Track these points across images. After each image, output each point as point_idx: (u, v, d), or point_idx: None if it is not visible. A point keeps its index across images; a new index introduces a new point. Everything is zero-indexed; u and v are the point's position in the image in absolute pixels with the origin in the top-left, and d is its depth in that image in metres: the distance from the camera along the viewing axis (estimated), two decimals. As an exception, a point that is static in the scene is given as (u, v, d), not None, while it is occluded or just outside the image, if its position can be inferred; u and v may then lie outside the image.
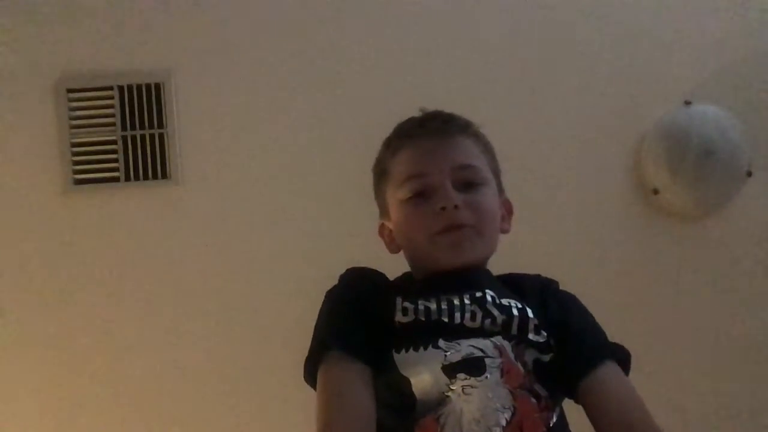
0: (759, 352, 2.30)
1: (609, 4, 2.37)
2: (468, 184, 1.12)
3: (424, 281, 1.12)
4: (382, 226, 1.22)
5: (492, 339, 1.02)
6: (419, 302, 1.07)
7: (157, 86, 2.35)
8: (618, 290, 2.28)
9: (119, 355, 2.36)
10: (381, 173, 1.20)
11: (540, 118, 2.34)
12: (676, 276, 2.34)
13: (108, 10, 2.38)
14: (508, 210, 1.21)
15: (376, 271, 1.16)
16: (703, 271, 2.33)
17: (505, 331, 1.04)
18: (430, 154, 1.14)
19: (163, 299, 2.36)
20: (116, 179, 2.36)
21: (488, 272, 1.15)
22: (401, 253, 1.19)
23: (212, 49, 2.37)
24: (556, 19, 2.35)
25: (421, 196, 1.11)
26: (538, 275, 1.18)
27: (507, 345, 1.02)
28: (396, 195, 1.15)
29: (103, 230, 2.38)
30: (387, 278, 1.17)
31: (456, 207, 1.08)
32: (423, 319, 1.05)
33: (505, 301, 1.08)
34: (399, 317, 1.06)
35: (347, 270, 1.17)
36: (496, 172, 1.19)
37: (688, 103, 2.30)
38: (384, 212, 1.20)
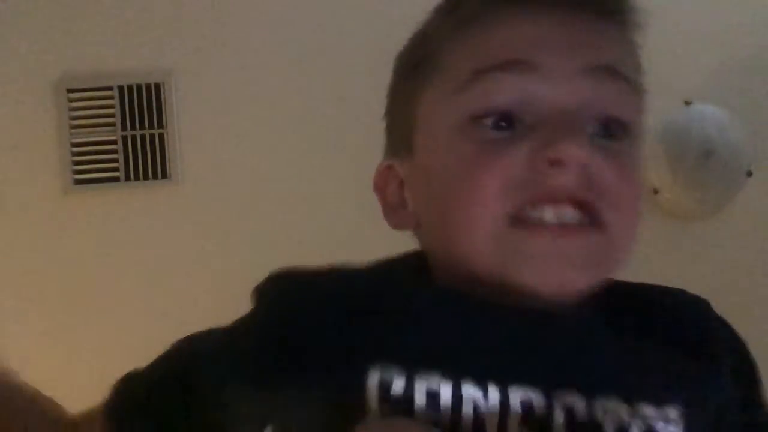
0: (759, 353, 2.30)
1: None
2: (610, 125, 0.57)
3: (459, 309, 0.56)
4: (385, 171, 0.66)
5: None
6: (426, 387, 0.51)
7: (157, 86, 2.35)
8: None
9: (119, 354, 2.36)
10: (419, 60, 0.62)
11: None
12: (676, 276, 2.33)
13: (108, 10, 2.38)
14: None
15: (322, 274, 0.63)
16: (703, 271, 2.33)
17: None
18: (565, 37, 0.56)
19: (163, 299, 2.36)
20: (116, 179, 2.36)
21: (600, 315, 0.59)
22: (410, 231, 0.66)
23: (212, 49, 2.37)
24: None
25: (508, 123, 0.56)
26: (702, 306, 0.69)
27: None
28: (448, 107, 0.58)
29: (103, 230, 2.38)
30: (349, 282, 0.61)
31: (584, 168, 0.54)
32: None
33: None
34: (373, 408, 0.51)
35: (270, 285, 0.68)
36: (643, 111, 0.61)
37: (688, 103, 2.30)
38: (400, 143, 0.64)
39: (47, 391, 0.77)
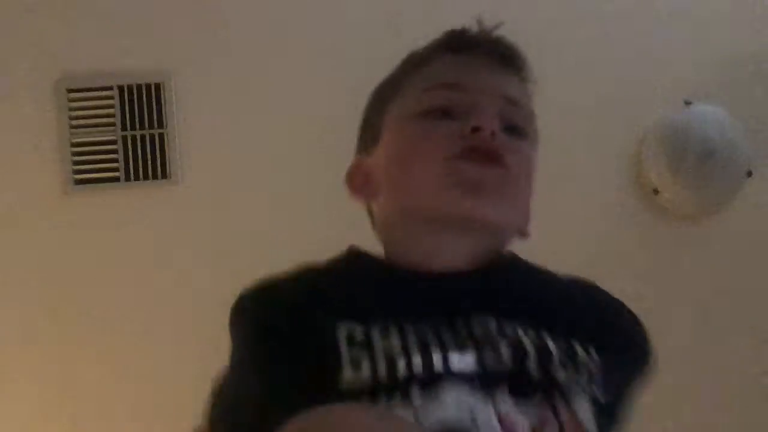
0: (760, 352, 2.30)
1: (609, 4, 2.37)
2: (514, 128, 0.83)
3: (393, 275, 0.80)
4: (355, 165, 0.90)
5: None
6: (379, 331, 0.70)
7: (157, 86, 2.35)
8: (617, 290, 2.28)
9: (119, 354, 2.36)
10: (386, 90, 0.90)
11: (539, 118, 2.34)
12: (676, 276, 2.34)
13: (108, 10, 2.38)
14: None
15: (290, 277, 0.87)
16: (703, 271, 2.33)
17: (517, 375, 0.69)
18: (480, 72, 0.85)
19: (163, 299, 2.36)
20: (116, 179, 2.36)
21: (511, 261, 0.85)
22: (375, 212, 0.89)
23: (212, 49, 2.37)
24: (555, 19, 2.35)
25: (444, 114, 0.82)
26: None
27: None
28: (404, 110, 0.85)
29: (103, 230, 2.38)
30: (311, 277, 0.86)
31: (493, 134, 0.78)
32: (385, 374, 0.66)
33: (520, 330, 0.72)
34: (347, 376, 0.67)
35: (245, 297, 0.87)
36: (535, 129, 0.89)
37: (688, 103, 2.30)
38: (368, 142, 0.90)
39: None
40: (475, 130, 0.79)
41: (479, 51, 0.86)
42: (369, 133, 0.90)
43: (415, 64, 0.89)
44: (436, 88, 0.83)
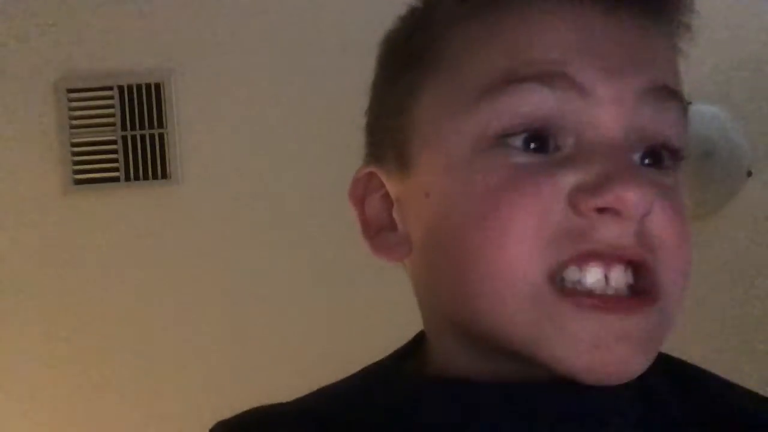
0: (760, 352, 2.30)
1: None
2: (661, 153, 0.47)
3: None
4: (364, 179, 0.54)
5: None
6: None
7: (157, 86, 2.35)
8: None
9: (119, 354, 2.36)
10: (416, 51, 0.50)
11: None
12: (676, 276, 2.33)
13: (108, 10, 2.38)
14: None
15: (293, 407, 0.53)
16: (703, 271, 2.33)
17: None
18: (607, 45, 0.45)
19: (163, 299, 2.36)
20: (116, 179, 2.36)
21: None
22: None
23: (212, 49, 2.37)
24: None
25: (537, 148, 0.45)
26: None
27: None
28: (463, 120, 0.46)
29: (103, 230, 2.38)
30: (323, 407, 0.53)
31: (643, 218, 0.44)
32: None
33: None
34: None
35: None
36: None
37: (688, 103, 2.30)
38: (388, 153, 0.52)
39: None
40: (608, 211, 0.43)
41: None
42: (387, 137, 0.52)
43: (467, 8, 0.47)
44: (532, 81, 0.44)
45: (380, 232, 0.52)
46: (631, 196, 0.42)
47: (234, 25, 2.38)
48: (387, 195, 0.52)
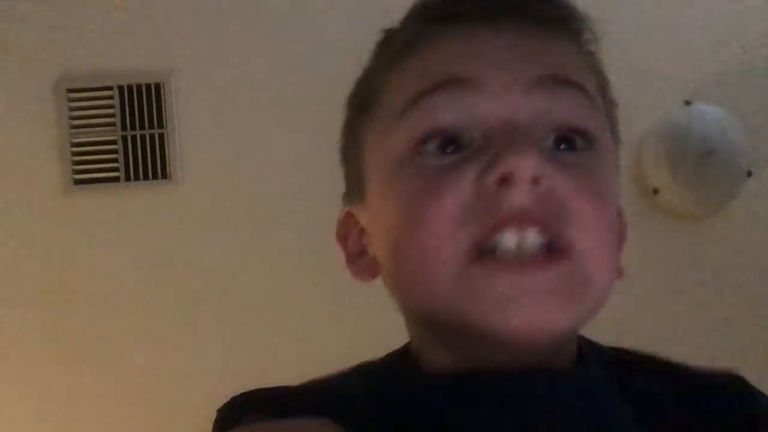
0: (760, 352, 2.30)
1: (609, 4, 2.37)
2: (565, 133, 0.52)
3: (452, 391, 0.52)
4: (345, 219, 0.61)
5: None
6: None
7: (157, 86, 2.35)
8: (617, 290, 2.28)
9: (119, 355, 2.36)
10: (361, 99, 0.59)
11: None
12: (676, 276, 2.34)
13: (108, 10, 2.38)
14: (621, 227, 0.59)
15: (290, 393, 0.56)
16: (703, 271, 2.33)
17: None
18: (500, 44, 0.52)
19: (163, 299, 2.36)
20: (116, 179, 2.36)
21: (593, 364, 0.57)
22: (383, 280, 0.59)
23: (212, 49, 2.37)
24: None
25: (450, 143, 0.51)
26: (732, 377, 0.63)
27: None
28: (389, 139, 0.53)
29: (103, 230, 2.38)
30: (323, 394, 0.56)
31: (536, 181, 0.49)
32: None
33: None
34: None
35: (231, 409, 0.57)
36: (613, 123, 0.57)
37: (688, 103, 2.30)
38: (354, 189, 0.60)
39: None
40: (504, 180, 0.48)
41: (490, 15, 0.52)
42: (351, 176, 0.60)
43: (391, 55, 0.56)
44: (435, 91, 0.51)
45: (357, 259, 0.60)
46: (517, 160, 0.48)
47: (234, 25, 2.38)
48: (362, 228, 0.59)
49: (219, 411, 0.58)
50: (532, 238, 0.49)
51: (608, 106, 0.57)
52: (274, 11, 2.38)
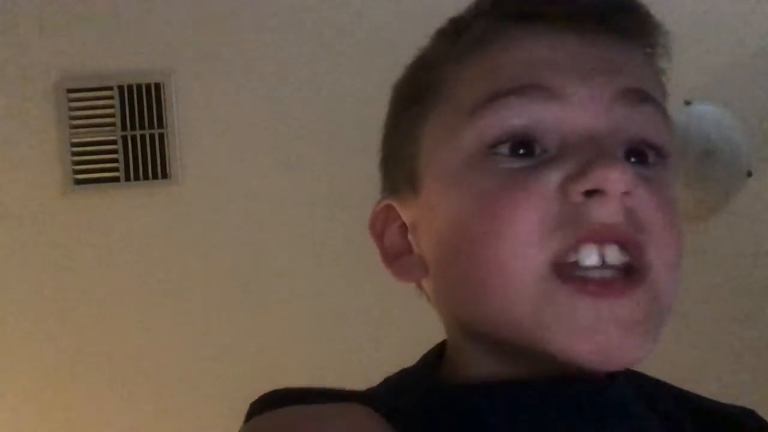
0: (759, 352, 2.30)
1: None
2: (643, 150, 0.52)
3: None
4: (383, 212, 0.58)
5: None
6: None
7: (157, 86, 2.35)
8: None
9: (119, 355, 2.36)
10: (421, 89, 0.56)
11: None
12: (676, 276, 2.33)
13: (108, 10, 2.38)
14: None
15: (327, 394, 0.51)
16: (703, 271, 2.33)
17: None
18: (583, 57, 0.51)
19: (163, 299, 2.36)
20: (116, 179, 2.36)
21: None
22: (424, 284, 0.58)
23: (212, 49, 2.37)
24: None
25: (525, 153, 0.50)
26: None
27: None
28: (457, 137, 0.51)
29: (103, 230, 2.38)
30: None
31: (628, 194, 0.48)
32: None
33: None
34: None
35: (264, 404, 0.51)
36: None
37: (688, 103, 2.30)
38: (401, 183, 0.57)
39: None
40: (593, 192, 0.47)
41: (571, 20, 0.51)
42: (399, 167, 0.57)
43: (460, 47, 0.53)
44: (512, 95, 0.49)
45: (399, 257, 0.57)
46: (610, 172, 0.46)
47: (234, 25, 2.38)
48: (403, 224, 0.57)
49: (253, 404, 0.53)
50: (615, 256, 0.48)
51: (670, 120, 0.58)
52: (274, 11, 2.38)
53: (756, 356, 2.31)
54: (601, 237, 0.47)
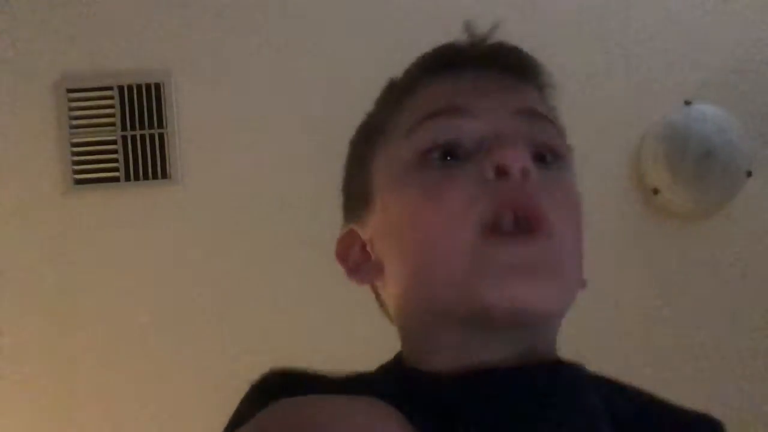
0: (759, 352, 2.30)
1: (609, 4, 2.37)
2: (547, 152, 0.64)
3: (457, 385, 0.59)
4: (347, 236, 0.71)
5: None
6: None
7: (157, 86, 2.35)
8: (617, 290, 2.28)
9: (119, 354, 2.36)
10: (368, 134, 0.71)
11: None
12: (676, 276, 2.34)
13: (108, 10, 2.38)
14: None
15: (323, 377, 0.62)
16: (703, 271, 2.33)
17: None
18: (487, 88, 0.65)
19: (163, 299, 2.36)
20: (116, 179, 2.36)
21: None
22: (381, 290, 0.70)
23: (212, 49, 2.37)
24: (555, 18, 2.35)
25: (450, 153, 0.63)
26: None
27: None
28: (396, 159, 0.65)
29: (103, 230, 2.38)
30: (352, 383, 0.63)
31: (525, 171, 0.60)
32: None
33: None
34: None
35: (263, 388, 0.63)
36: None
37: (688, 103, 2.30)
38: (357, 208, 0.70)
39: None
40: (501, 170, 0.59)
41: (478, 64, 0.67)
42: (356, 195, 0.70)
43: (398, 96, 0.69)
44: (433, 118, 0.64)
45: (360, 266, 0.69)
46: (510, 150, 0.60)
47: (234, 25, 2.38)
48: (363, 243, 0.69)
49: (253, 386, 0.66)
50: (524, 216, 0.60)
51: (564, 137, 0.69)
52: (274, 11, 2.38)
53: (756, 354, 2.31)
54: (512, 202, 0.59)
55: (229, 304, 2.36)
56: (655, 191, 2.31)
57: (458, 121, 0.63)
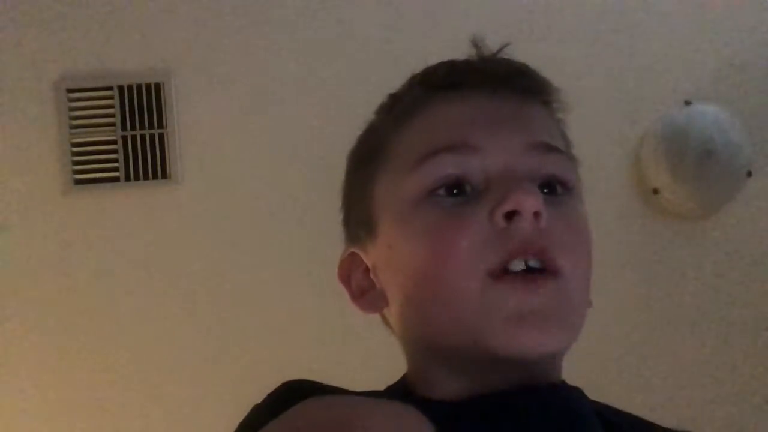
0: (759, 352, 2.30)
1: (609, 4, 2.37)
2: (556, 182, 0.64)
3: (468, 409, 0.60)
4: (348, 260, 0.70)
5: None
6: None
7: (157, 86, 2.35)
8: (617, 290, 2.28)
9: (119, 354, 2.36)
10: (369, 153, 0.68)
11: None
12: (676, 276, 2.34)
13: (108, 10, 2.38)
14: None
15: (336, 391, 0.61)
16: (703, 271, 2.33)
17: None
18: (493, 115, 0.64)
19: (163, 299, 2.36)
20: (116, 179, 2.36)
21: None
22: (389, 317, 0.69)
23: (212, 49, 2.37)
24: (555, 18, 2.35)
25: (458, 189, 0.62)
26: None
27: None
28: (403, 187, 0.63)
29: (103, 230, 2.38)
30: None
31: (538, 216, 0.59)
32: None
33: None
34: None
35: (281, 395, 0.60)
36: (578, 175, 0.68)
37: (688, 103, 2.30)
38: (360, 232, 0.68)
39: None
40: (510, 215, 0.59)
41: (486, 86, 0.64)
42: (357, 220, 0.69)
43: (398, 116, 0.66)
44: (440, 155, 0.62)
45: (364, 294, 0.69)
46: (521, 195, 0.59)
47: (234, 25, 2.38)
48: (367, 268, 0.68)
49: (270, 395, 0.62)
50: (534, 263, 0.59)
51: (575, 163, 0.68)
52: (274, 11, 2.38)
53: (756, 354, 2.31)
54: (523, 250, 0.59)
55: (228, 304, 2.36)
56: (655, 191, 2.31)
57: (467, 158, 0.62)
